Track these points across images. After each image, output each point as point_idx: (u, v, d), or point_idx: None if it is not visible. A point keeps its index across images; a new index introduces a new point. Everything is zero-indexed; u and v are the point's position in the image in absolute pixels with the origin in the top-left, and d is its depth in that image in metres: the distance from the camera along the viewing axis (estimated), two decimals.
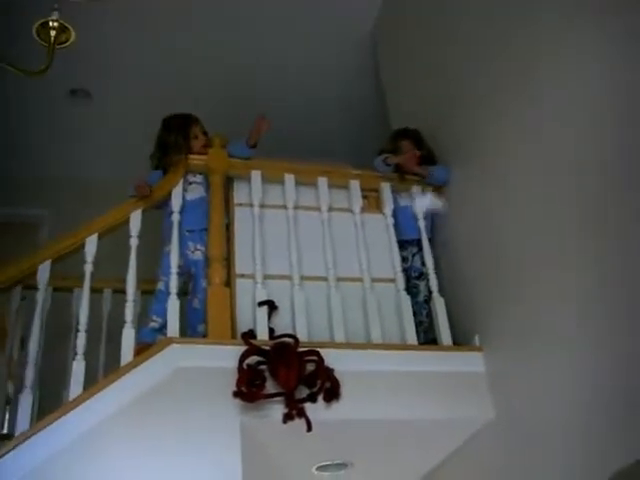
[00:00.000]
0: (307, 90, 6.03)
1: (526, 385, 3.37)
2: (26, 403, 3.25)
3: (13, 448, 3.02)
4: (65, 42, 3.41)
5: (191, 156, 4.03)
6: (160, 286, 3.80)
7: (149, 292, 4.00)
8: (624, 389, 2.73)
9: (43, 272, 3.58)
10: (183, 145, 4.05)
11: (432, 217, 4.33)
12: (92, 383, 3.29)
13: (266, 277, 3.71)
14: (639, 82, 2.71)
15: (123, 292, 3.61)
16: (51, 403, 3.39)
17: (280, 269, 3.79)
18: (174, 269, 3.62)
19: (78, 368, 3.31)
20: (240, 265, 3.77)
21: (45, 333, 3.87)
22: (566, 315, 3.10)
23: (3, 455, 2.97)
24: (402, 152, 4.34)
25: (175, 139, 4.07)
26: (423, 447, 3.82)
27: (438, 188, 4.31)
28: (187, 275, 3.90)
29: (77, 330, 3.51)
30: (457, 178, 4.20)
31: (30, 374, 3.37)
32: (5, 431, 4.18)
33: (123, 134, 5.92)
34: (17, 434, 3.12)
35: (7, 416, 4.28)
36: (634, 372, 2.67)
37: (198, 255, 3.87)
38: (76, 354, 3.38)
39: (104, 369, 4.08)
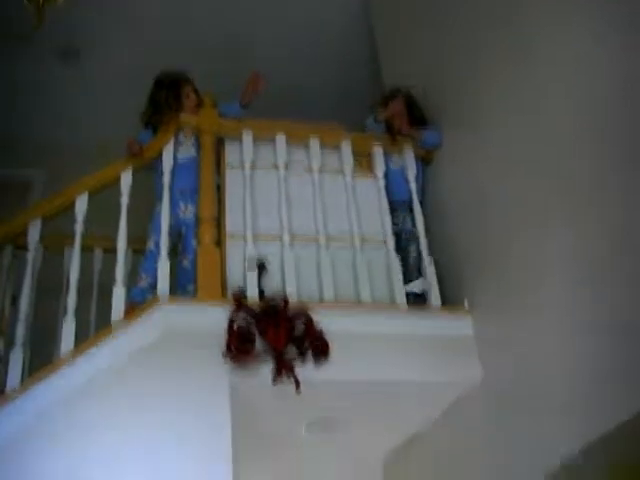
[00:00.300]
0: (302, 51, 5.98)
1: (513, 349, 3.40)
2: (16, 360, 3.28)
3: (3, 404, 3.06)
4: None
5: (182, 115, 4.00)
6: (150, 245, 3.80)
7: (141, 251, 3.99)
8: (610, 353, 2.76)
9: (34, 231, 3.58)
10: (174, 104, 4.04)
11: (423, 179, 4.32)
12: (83, 341, 3.31)
13: (256, 237, 3.71)
14: (636, 53, 2.71)
15: (115, 251, 3.61)
16: (43, 361, 3.39)
17: (270, 229, 3.79)
18: (165, 229, 3.62)
19: (68, 326, 3.33)
20: (231, 225, 3.77)
21: (37, 291, 3.86)
22: (553, 279, 3.13)
23: None
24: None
25: (166, 97, 4.06)
26: (410, 409, 3.85)
27: (429, 151, 4.31)
28: (177, 235, 3.89)
29: (68, 289, 3.52)
30: (448, 140, 4.20)
31: (21, 331, 3.39)
32: None
33: (116, 95, 5.86)
34: (7, 390, 3.15)
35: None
36: (618, 336, 2.70)
37: (188, 215, 3.86)
38: (67, 312, 3.40)
39: (95, 327, 4.09)
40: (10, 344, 3.44)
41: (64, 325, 3.35)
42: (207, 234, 3.61)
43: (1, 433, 3.00)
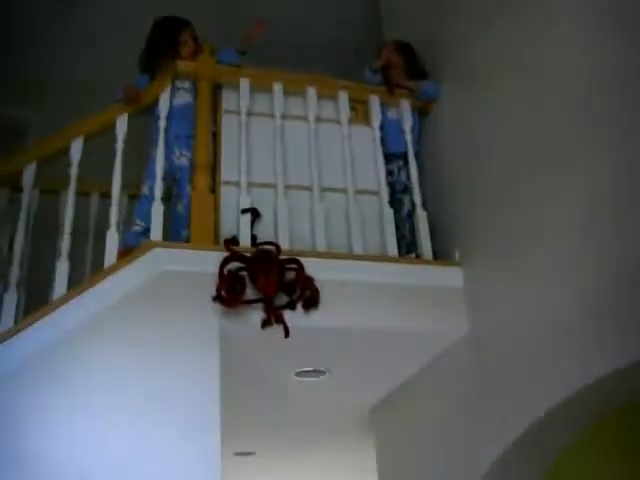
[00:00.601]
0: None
1: (501, 303, 3.45)
2: (10, 301, 3.32)
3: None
4: None
5: (179, 62, 3.99)
6: (144, 190, 3.81)
7: (137, 196, 4.01)
8: (595, 309, 2.79)
9: (28, 174, 3.60)
10: (171, 49, 4.02)
11: (420, 131, 4.32)
12: (78, 284, 3.35)
13: (251, 185, 3.73)
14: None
15: (110, 196, 3.63)
16: (38, 303, 3.44)
17: (265, 177, 3.80)
18: (159, 174, 3.64)
19: (62, 269, 3.37)
20: (225, 172, 3.78)
21: (33, 235, 3.90)
22: (543, 237, 3.17)
23: None
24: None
25: (163, 42, 4.04)
26: (397, 358, 3.91)
27: (427, 103, 4.30)
28: (171, 180, 3.89)
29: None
30: (446, 92, 4.19)
31: (15, 273, 3.43)
32: None
33: (113, 37, 5.81)
34: (1, 331, 3.19)
35: None
36: (605, 292, 2.73)
37: (183, 161, 3.85)
38: (60, 255, 3.43)
39: (91, 271, 4.13)
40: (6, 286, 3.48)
41: (57, 268, 3.38)
42: (202, 180, 3.62)
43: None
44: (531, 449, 3.31)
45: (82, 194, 3.93)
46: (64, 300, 3.22)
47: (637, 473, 4.30)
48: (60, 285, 3.32)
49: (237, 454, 5.44)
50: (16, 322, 3.26)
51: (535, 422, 3.09)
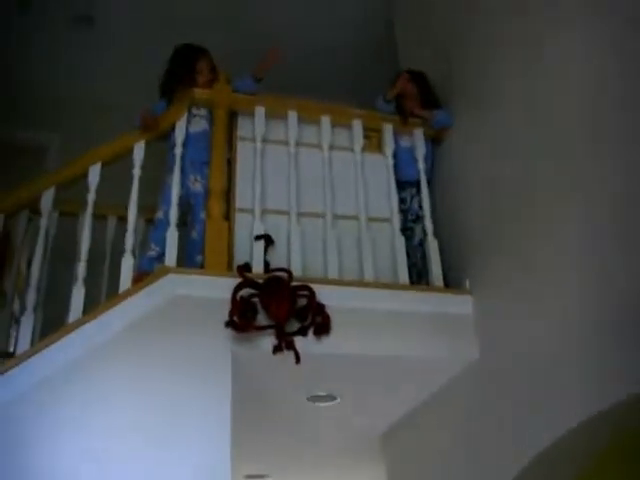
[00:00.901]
0: (319, 29, 5.97)
1: (511, 328, 3.47)
2: (27, 324, 3.38)
3: (14, 366, 3.15)
4: None
5: (196, 90, 4.06)
6: (160, 215, 3.87)
7: (153, 220, 4.07)
8: (610, 327, 2.80)
9: (46, 199, 3.67)
10: (187, 77, 4.10)
11: (433, 159, 4.36)
12: (93, 307, 3.41)
13: (265, 212, 3.78)
14: None
15: (127, 219, 3.69)
16: (55, 326, 3.49)
17: (279, 204, 3.86)
18: (175, 200, 3.69)
19: (77, 293, 3.42)
20: (240, 199, 3.84)
21: (51, 258, 3.99)
22: (558, 263, 3.18)
23: (6, 371, 3.11)
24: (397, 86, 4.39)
25: (180, 70, 4.12)
26: (408, 384, 3.95)
27: (440, 132, 4.35)
28: (186, 205, 3.95)
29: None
30: (459, 121, 4.24)
31: (32, 297, 3.49)
32: (12, 350, 4.32)
33: (132, 58, 5.90)
34: (17, 353, 3.26)
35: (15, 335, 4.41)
36: (623, 317, 2.74)
37: (198, 187, 3.92)
38: (77, 279, 3.49)
39: (106, 295, 4.19)
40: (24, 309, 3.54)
41: (74, 293, 3.43)
42: (216, 207, 3.68)
43: (13, 391, 3.09)
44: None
45: (99, 217, 4.00)
46: (79, 323, 3.28)
47: None
48: (75, 310, 3.37)
49: (249, 477, 5.46)
50: (32, 344, 3.31)
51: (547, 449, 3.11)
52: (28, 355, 3.19)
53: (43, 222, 3.63)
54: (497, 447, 3.42)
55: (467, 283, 3.84)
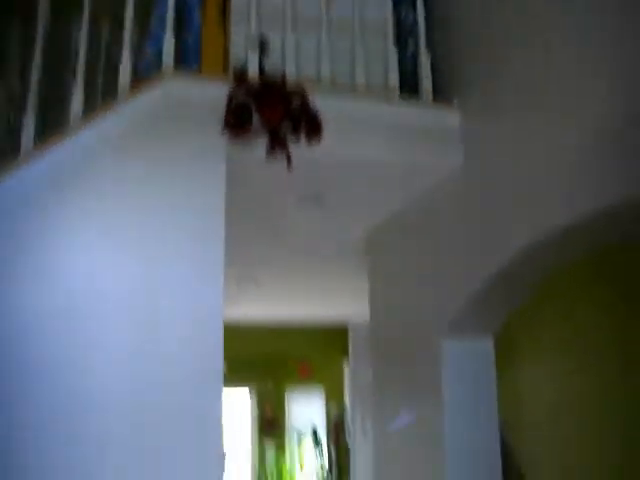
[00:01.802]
0: None
1: (498, 142, 3.56)
2: (29, 125, 3.45)
3: (17, 167, 3.26)
4: None
5: None
6: (155, 20, 3.85)
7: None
8: (595, 149, 2.89)
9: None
10: None
11: None
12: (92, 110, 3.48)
13: (260, 16, 3.75)
14: None
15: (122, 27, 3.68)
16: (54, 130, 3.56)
17: (274, 7, 3.82)
18: (171, 3, 3.65)
19: (77, 92, 3.48)
20: (236, 3, 3.80)
21: (46, 63, 4.00)
22: (548, 82, 3.21)
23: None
24: None
25: None
26: (393, 188, 4.14)
27: None
28: (182, 10, 3.91)
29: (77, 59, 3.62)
30: None
31: (32, 99, 3.54)
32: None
33: None
34: (22, 153, 3.35)
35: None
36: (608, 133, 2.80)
37: None
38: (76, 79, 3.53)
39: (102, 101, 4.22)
40: (22, 111, 3.58)
41: (73, 91, 3.49)
42: (212, 10, 3.68)
43: (18, 190, 3.24)
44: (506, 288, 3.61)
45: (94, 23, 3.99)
46: (81, 123, 3.37)
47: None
48: (75, 109, 3.44)
49: (240, 281, 5.71)
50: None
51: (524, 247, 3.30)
52: (32, 154, 3.29)
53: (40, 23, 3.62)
54: (481, 244, 3.63)
55: (455, 101, 3.89)
